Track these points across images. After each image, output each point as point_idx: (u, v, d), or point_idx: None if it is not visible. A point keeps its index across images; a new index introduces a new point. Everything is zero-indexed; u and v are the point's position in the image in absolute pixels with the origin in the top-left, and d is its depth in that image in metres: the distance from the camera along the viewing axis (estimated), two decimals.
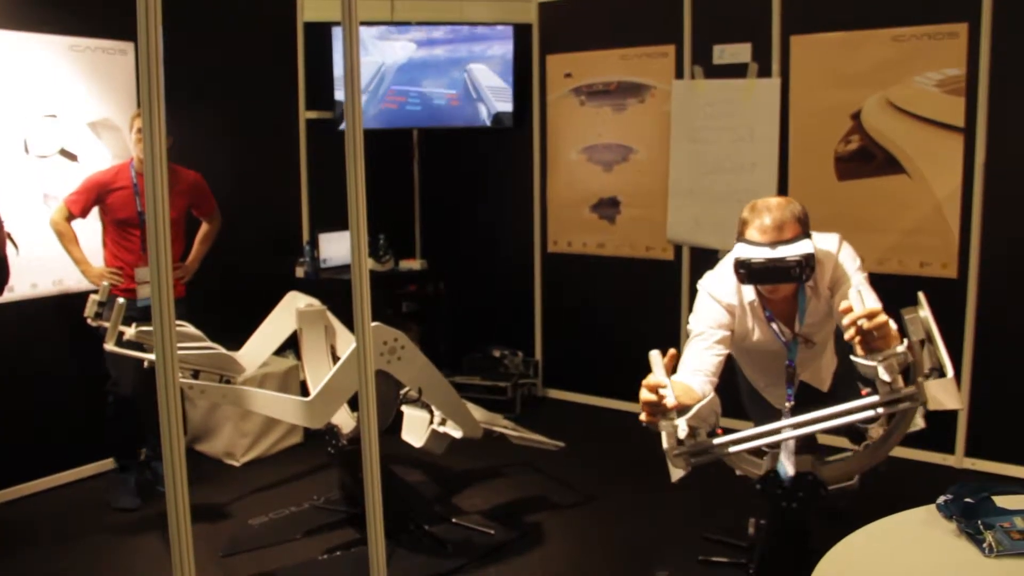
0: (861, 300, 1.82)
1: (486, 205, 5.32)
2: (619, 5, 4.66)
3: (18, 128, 3.59)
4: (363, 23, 4.66)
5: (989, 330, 3.79)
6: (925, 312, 1.77)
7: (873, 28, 3.90)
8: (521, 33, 4.89)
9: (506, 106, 4.89)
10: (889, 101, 3.91)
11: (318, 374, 3.28)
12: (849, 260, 2.44)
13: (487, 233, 5.33)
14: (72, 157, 3.77)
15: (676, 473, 1.95)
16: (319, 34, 4.70)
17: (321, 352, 3.42)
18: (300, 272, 4.74)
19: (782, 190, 4.17)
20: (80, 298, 3.49)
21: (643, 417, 1.93)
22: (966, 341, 3.81)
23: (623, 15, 4.64)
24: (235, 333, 3.46)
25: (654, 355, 1.95)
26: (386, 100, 4.84)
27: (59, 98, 3.71)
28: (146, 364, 3.17)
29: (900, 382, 1.78)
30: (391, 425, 3.11)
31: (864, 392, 1.87)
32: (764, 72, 4.19)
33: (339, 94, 4.72)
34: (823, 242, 2.42)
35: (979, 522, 1.71)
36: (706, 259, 2.68)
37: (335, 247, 4.74)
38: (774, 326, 2.48)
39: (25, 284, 3.62)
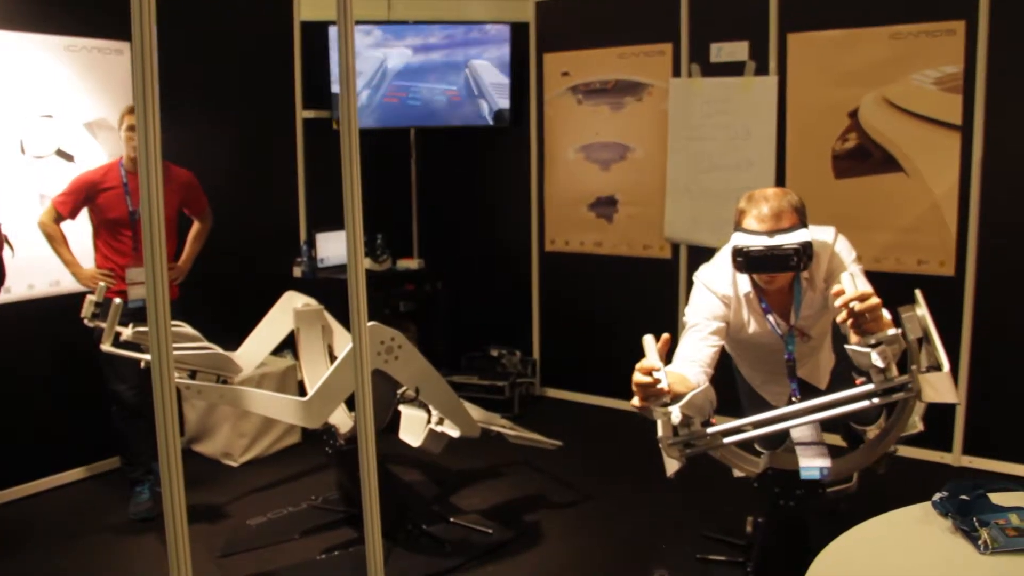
0: (853, 283, 1.82)
1: (484, 205, 5.31)
2: (616, 3, 4.65)
3: (14, 128, 3.58)
4: (359, 22, 4.65)
5: (986, 328, 3.79)
6: (922, 310, 1.77)
7: (870, 26, 3.90)
8: (518, 31, 4.89)
9: (507, 103, 4.89)
10: (886, 99, 3.91)
11: (316, 374, 3.28)
12: (845, 252, 2.43)
13: (485, 232, 5.33)
14: (69, 157, 3.76)
15: (672, 466, 1.94)
16: (316, 33, 4.70)
17: (319, 352, 3.42)
18: (298, 272, 4.73)
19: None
20: (77, 299, 3.47)
21: (635, 402, 1.91)
22: (963, 339, 3.82)
23: (620, 13, 4.63)
24: (232, 333, 3.46)
25: (648, 339, 1.94)
26: (387, 95, 4.83)
27: (55, 98, 3.70)
28: (143, 364, 3.16)
29: (895, 371, 1.78)
30: (389, 424, 3.10)
31: (859, 382, 1.86)
32: (761, 70, 4.19)
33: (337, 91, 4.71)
34: (819, 234, 2.41)
35: (975, 519, 1.71)
36: (704, 257, 2.68)
37: (333, 246, 4.74)
38: (770, 318, 2.47)
39: (22, 285, 3.62)
